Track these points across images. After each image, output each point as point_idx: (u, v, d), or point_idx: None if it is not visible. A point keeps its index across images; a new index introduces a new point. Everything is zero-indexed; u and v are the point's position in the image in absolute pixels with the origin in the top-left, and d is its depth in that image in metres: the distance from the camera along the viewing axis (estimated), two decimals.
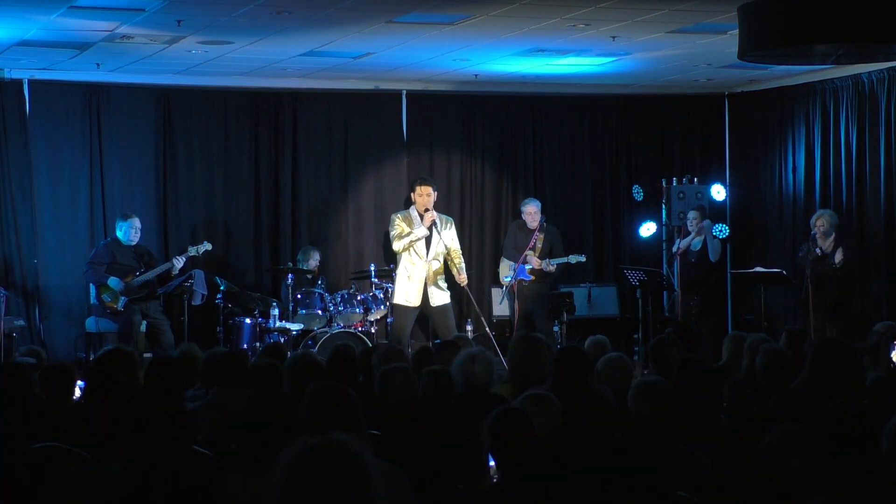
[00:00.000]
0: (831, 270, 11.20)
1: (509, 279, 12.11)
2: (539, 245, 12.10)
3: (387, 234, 13.09)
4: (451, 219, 11.89)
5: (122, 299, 11.01)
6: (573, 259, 12.11)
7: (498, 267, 13.22)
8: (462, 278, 11.62)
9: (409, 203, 12.04)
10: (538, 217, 12.27)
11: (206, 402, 6.07)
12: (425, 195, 11.57)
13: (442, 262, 11.65)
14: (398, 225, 11.56)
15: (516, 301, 12.07)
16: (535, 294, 12.06)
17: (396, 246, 11.55)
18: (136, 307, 11.08)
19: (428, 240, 11.52)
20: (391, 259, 12.57)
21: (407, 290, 11.42)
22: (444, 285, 11.62)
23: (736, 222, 13.52)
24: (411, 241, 11.47)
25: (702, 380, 5.66)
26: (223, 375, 6.13)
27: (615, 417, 5.76)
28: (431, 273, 11.46)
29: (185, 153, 12.55)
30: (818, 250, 11.20)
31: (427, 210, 11.48)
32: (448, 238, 11.59)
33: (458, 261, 11.67)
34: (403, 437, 5.18)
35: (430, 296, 11.44)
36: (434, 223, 11.47)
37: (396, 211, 13.11)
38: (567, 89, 13.51)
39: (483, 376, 6.24)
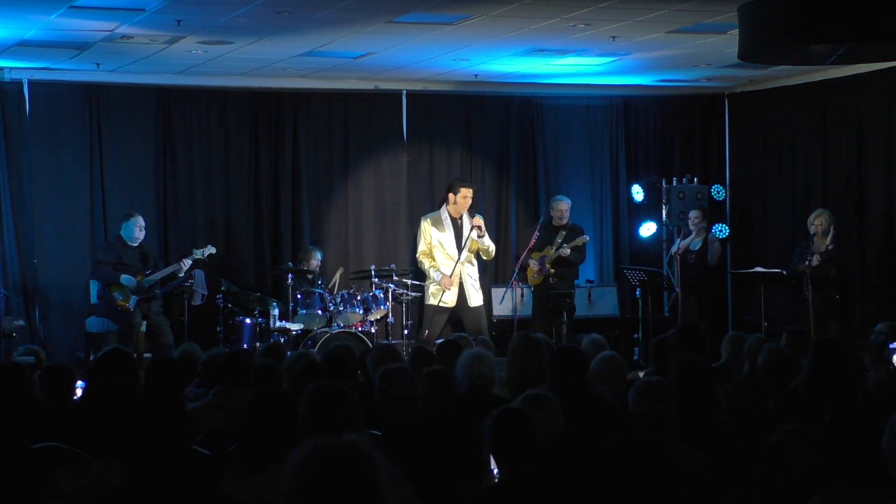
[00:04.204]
0: (829, 269, 11.18)
1: (537, 277, 12.03)
2: (559, 241, 11.99)
3: (390, 235, 13.10)
4: (481, 215, 11.62)
5: (134, 298, 11.01)
6: (580, 240, 11.96)
7: (497, 267, 13.24)
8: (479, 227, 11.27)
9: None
10: (565, 214, 12.15)
11: (207, 402, 6.07)
12: (469, 197, 11.36)
13: (476, 262, 11.51)
14: (424, 233, 11.27)
15: (534, 301, 12.04)
16: (554, 294, 11.93)
17: (420, 264, 11.38)
18: (137, 308, 11.08)
19: (460, 240, 11.32)
20: (392, 259, 12.56)
21: (439, 290, 11.21)
22: (478, 285, 11.45)
23: (736, 222, 13.52)
24: (428, 272, 11.30)
25: (701, 379, 5.66)
26: (227, 375, 6.13)
27: (614, 417, 5.76)
28: (467, 274, 11.27)
29: (185, 153, 12.55)
30: (811, 259, 11.13)
31: (473, 216, 11.29)
32: (485, 242, 11.38)
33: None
34: (403, 437, 5.18)
35: (467, 296, 11.21)
36: (480, 227, 11.24)
37: (397, 209, 13.13)
38: (567, 89, 13.51)
39: (488, 376, 6.25)
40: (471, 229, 11.23)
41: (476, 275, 11.45)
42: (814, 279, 11.12)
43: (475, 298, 11.32)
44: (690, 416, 5.26)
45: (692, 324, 9.35)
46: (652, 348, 7.16)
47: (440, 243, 11.26)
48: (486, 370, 6.24)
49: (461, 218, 11.35)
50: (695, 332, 8.26)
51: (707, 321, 12.22)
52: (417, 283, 12.02)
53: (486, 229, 12.87)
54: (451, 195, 11.39)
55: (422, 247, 11.34)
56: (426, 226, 11.36)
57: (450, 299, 11.18)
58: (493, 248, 11.54)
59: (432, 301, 11.24)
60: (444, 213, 11.36)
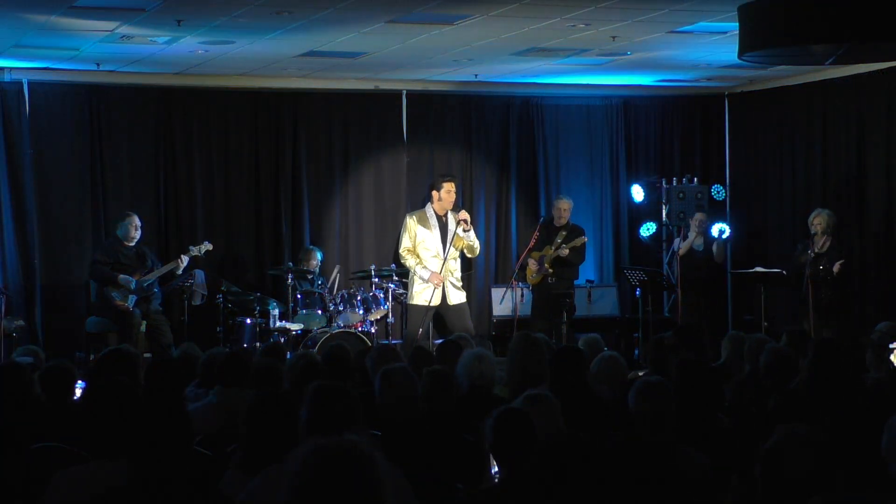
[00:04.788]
0: (828, 272, 11.18)
1: (536, 276, 12.01)
2: (558, 241, 11.97)
3: (390, 234, 13.08)
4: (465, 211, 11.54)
5: (132, 298, 11.01)
6: (577, 241, 11.94)
7: (497, 266, 13.24)
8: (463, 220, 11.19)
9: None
10: (566, 214, 12.12)
11: (207, 402, 6.07)
12: (453, 191, 11.29)
13: (458, 259, 11.48)
14: (409, 230, 11.20)
15: (534, 301, 12.03)
16: (553, 293, 11.92)
17: (403, 260, 11.38)
18: (136, 308, 11.08)
19: (444, 237, 11.26)
20: (392, 259, 12.55)
21: (424, 289, 11.15)
22: (460, 284, 11.38)
23: (736, 222, 13.52)
24: (413, 269, 11.25)
25: (700, 379, 5.67)
26: (227, 375, 6.13)
27: (614, 417, 5.77)
28: (449, 271, 11.23)
29: (185, 153, 12.55)
30: (811, 252, 11.17)
31: (460, 211, 11.26)
32: (471, 238, 11.34)
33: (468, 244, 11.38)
34: (403, 437, 5.18)
35: (447, 295, 11.12)
36: (465, 221, 11.16)
37: (397, 209, 13.12)
38: (567, 89, 13.50)
39: (488, 376, 6.25)
40: (457, 224, 11.17)
41: (458, 273, 11.40)
42: (814, 279, 11.13)
43: (455, 296, 11.23)
44: (690, 416, 5.26)
45: (690, 324, 9.39)
46: (649, 349, 7.17)
47: (424, 240, 11.20)
48: (487, 370, 6.25)
49: (446, 215, 11.30)
50: (693, 332, 8.27)
51: (708, 321, 12.24)
52: None
53: (487, 228, 12.86)
54: (434, 192, 11.32)
55: (406, 244, 11.26)
56: (411, 223, 11.27)
57: (435, 298, 11.13)
58: (477, 244, 11.45)
59: (419, 301, 11.14)
60: (429, 210, 11.28)
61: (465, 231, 11.13)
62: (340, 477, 2.64)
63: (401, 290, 11.78)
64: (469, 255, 11.64)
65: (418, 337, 11.00)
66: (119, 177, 12.27)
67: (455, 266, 11.36)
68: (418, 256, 11.20)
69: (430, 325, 11.59)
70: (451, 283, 11.23)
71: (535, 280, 12.01)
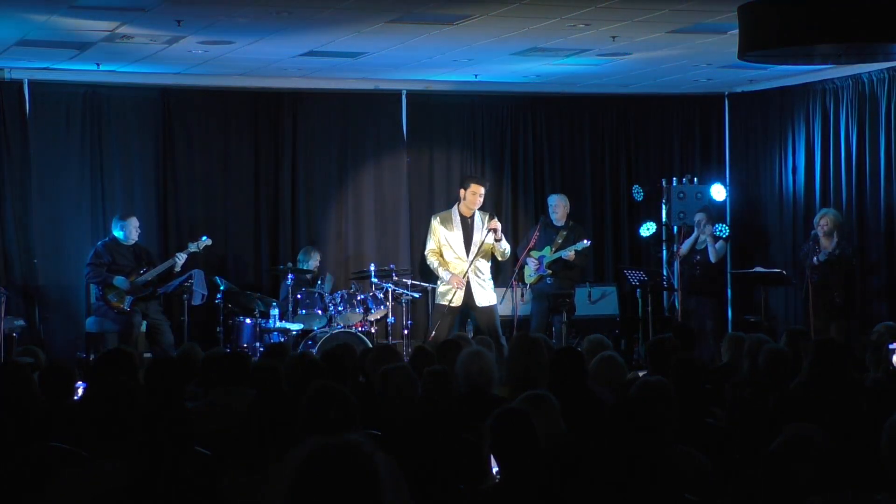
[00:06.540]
0: (833, 272, 11.16)
1: (533, 276, 12.02)
2: (559, 241, 11.99)
3: (390, 235, 13.08)
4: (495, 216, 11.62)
5: (129, 298, 11.01)
6: (579, 246, 11.95)
7: (497, 267, 13.27)
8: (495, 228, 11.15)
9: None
10: (560, 211, 12.13)
11: (207, 402, 6.08)
12: (479, 195, 11.29)
13: (489, 260, 11.48)
14: (433, 232, 11.29)
15: (534, 301, 12.04)
16: (553, 294, 11.92)
17: (428, 262, 11.41)
18: (136, 308, 11.09)
19: (468, 239, 11.27)
20: (392, 259, 12.55)
21: (448, 290, 11.16)
22: (490, 285, 11.40)
23: (736, 222, 13.52)
24: (436, 271, 11.29)
25: (698, 379, 5.67)
26: (227, 375, 6.13)
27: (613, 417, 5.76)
28: (476, 272, 11.25)
29: (185, 153, 12.54)
30: (816, 259, 11.14)
31: (493, 219, 11.26)
32: (502, 246, 11.31)
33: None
34: (403, 437, 5.19)
35: (473, 296, 11.16)
36: (496, 230, 11.13)
37: (397, 210, 13.12)
38: (567, 89, 13.50)
39: (486, 376, 6.25)
40: (487, 232, 11.20)
41: (486, 274, 11.39)
42: (814, 279, 11.12)
43: (482, 298, 11.24)
44: (688, 416, 5.26)
45: (686, 323, 9.41)
46: (649, 349, 7.17)
47: (448, 242, 11.24)
48: (486, 368, 6.24)
49: (472, 217, 11.31)
50: (686, 332, 8.29)
51: (709, 321, 12.24)
52: (417, 283, 12.02)
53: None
54: (462, 191, 11.36)
55: (431, 245, 11.35)
56: (435, 224, 11.37)
57: (457, 299, 11.14)
58: (508, 249, 11.52)
59: (441, 301, 11.22)
60: (454, 211, 11.36)
61: (496, 240, 11.15)
62: (341, 476, 2.65)
63: (400, 291, 11.79)
64: (500, 259, 11.69)
65: (430, 338, 11.01)
66: (119, 177, 12.26)
67: (484, 267, 11.33)
68: (442, 257, 11.23)
69: (457, 324, 11.57)
70: (480, 284, 11.22)
71: (533, 280, 12.01)
